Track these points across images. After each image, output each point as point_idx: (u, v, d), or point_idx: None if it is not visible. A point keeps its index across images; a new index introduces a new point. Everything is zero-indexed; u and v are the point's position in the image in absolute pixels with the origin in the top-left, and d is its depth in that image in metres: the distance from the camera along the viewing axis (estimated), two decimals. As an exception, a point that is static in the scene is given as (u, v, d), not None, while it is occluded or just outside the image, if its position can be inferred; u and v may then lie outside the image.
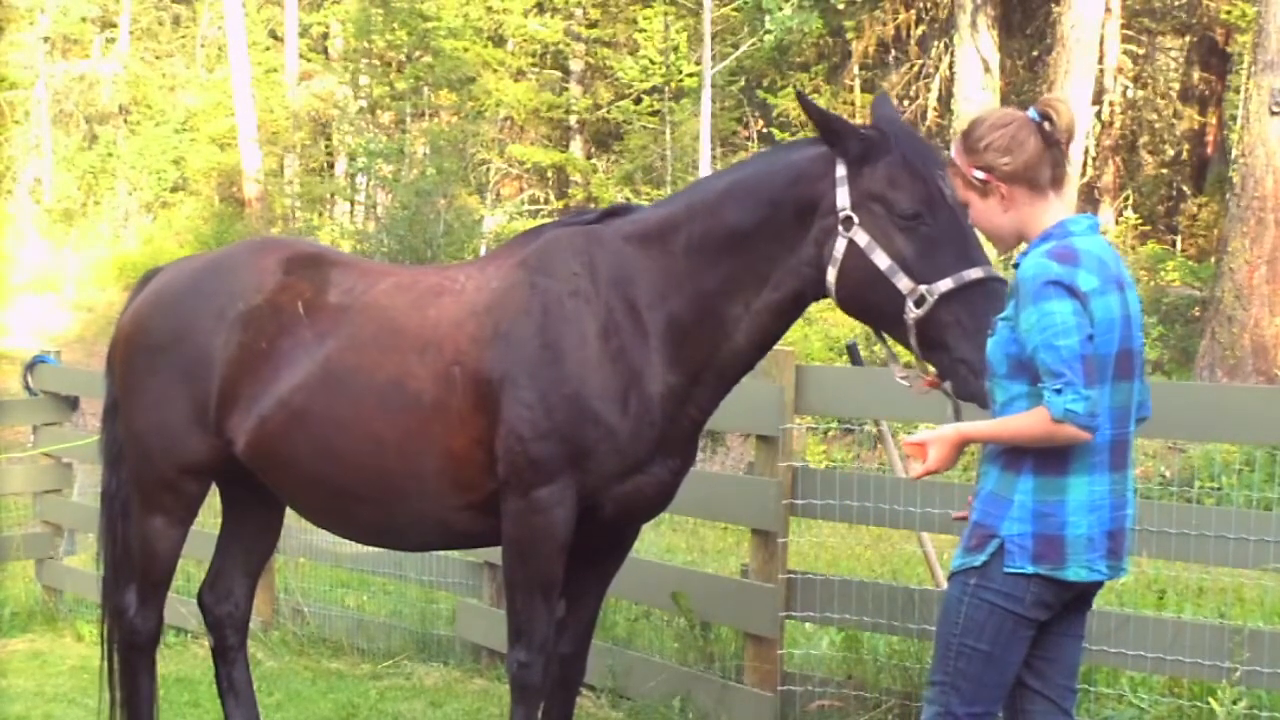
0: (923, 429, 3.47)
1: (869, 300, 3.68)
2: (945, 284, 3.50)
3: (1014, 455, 3.22)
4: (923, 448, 3.29)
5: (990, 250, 3.74)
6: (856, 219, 3.64)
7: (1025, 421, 3.16)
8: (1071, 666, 3.42)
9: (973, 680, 3.25)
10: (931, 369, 3.60)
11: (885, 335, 3.77)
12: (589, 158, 27.86)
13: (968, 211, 3.46)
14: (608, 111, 25.65)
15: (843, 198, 3.67)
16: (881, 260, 3.59)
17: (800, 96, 3.86)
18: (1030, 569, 3.18)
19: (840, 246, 3.67)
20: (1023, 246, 3.35)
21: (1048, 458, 3.19)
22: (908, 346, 3.63)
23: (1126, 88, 24.09)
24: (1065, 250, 3.19)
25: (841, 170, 3.69)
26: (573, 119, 27.67)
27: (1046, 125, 3.28)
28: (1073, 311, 3.10)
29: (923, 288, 3.52)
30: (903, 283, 3.56)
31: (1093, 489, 3.21)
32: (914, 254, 3.56)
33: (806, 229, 3.76)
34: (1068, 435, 3.10)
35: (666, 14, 22.72)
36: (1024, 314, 3.15)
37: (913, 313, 3.53)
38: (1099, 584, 3.32)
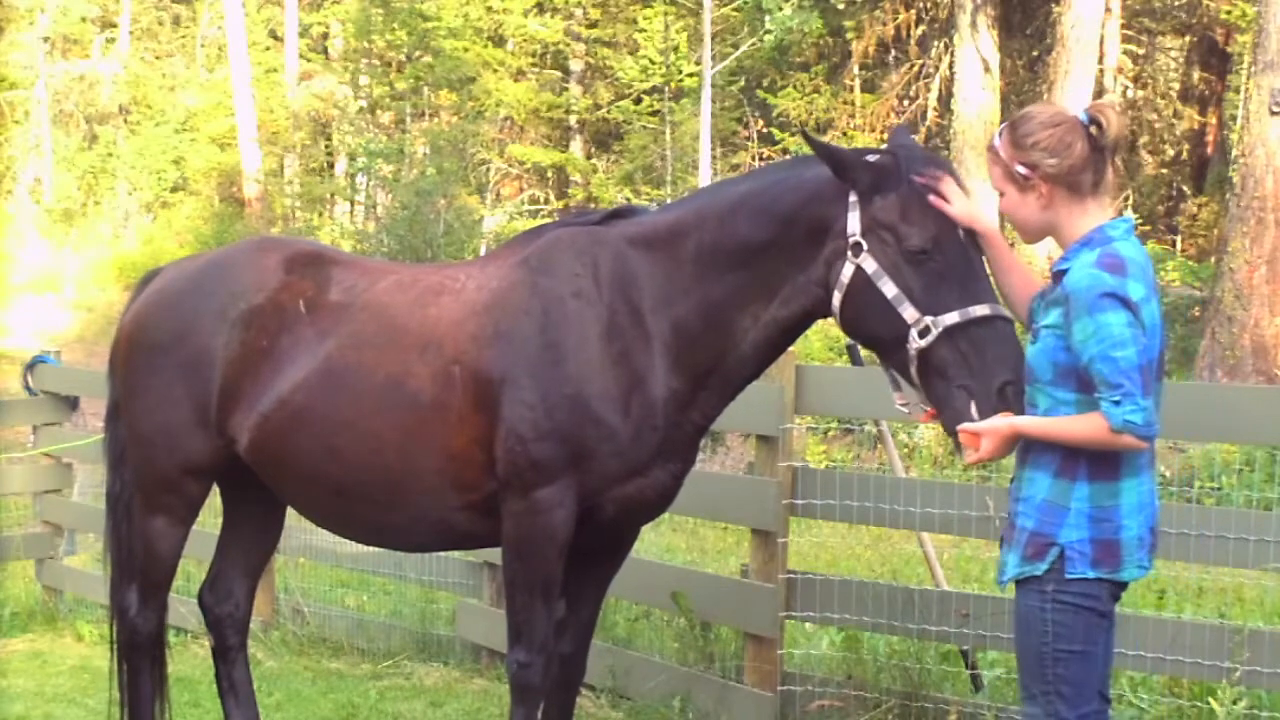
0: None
1: (872, 327, 3.67)
2: (951, 317, 3.47)
3: (1069, 462, 3.26)
4: (976, 437, 3.31)
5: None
6: (865, 246, 3.63)
7: (1082, 426, 3.20)
8: (1111, 655, 3.51)
9: (1075, 683, 3.29)
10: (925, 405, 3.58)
11: (887, 362, 3.75)
12: (589, 158, 27.87)
13: (980, 244, 3.52)
14: (608, 111, 25.67)
15: (853, 223, 3.65)
16: (889, 289, 3.57)
17: (804, 135, 3.83)
18: (1091, 574, 3.25)
19: (848, 272, 3.66)
20: (1051, 247, 3.35)
21: (1103, 464, 3.25)
22: (906, 375, 3.60)
23: (1126, 88, 24.09)
24: (1114, 260, 3.21)
25: (854, 195, 3.68)
26: (573, 119, 27.69)
27: (1095, 131, 3.30)
28: (1127, 323, 3.14)
29: (928, 319, 3.49)
30: (909, 312, 3.53)
31: (1140, 489, 3.29)
32: (921, 286, 3.54)
33: (818, 249, 3.74)
34: (1125, 444, 3.16)
35: (666, 14, 22.74)
36: (1078, 325, 3.17)
37: (916, 342, 3.50)
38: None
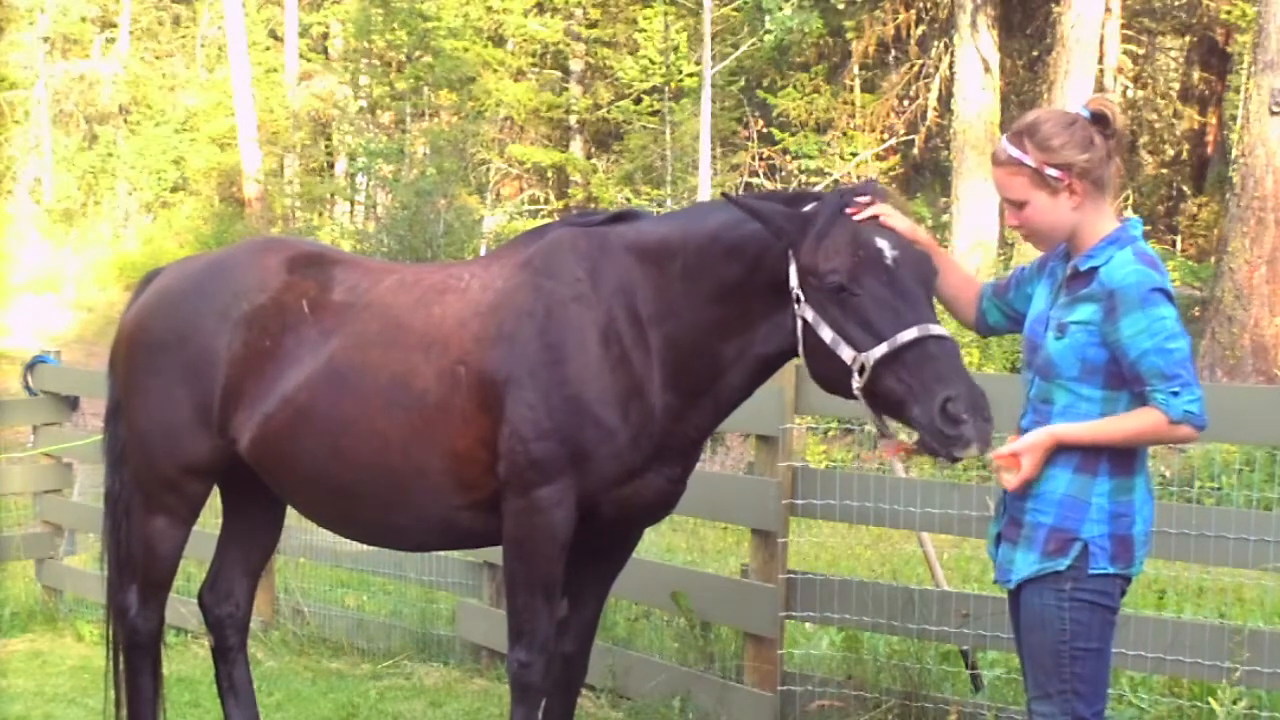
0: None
1: (827, 374, 3.63)
2: (879, 350, 3.41)
3: (1090, 458, 3.27)
4: (1016, 458, 3.27)
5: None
6: (803, 296, 3.62)
7: (1135, 423, 3.21)
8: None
9: (1090, 681, 3.30)
10: (903, 436, 3.53)
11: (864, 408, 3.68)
12: (589, 158, 27.86)
13: (920, 266, 3.47)
14: (608, 111, 25.64)
15: (793, 275, 3.65)
16: (826, 334, 3.55)
17: (726, 196, 3.78)
18: (1111, 569, 3.29)
19: (798, 325, 3.66)
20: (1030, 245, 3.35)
21: (1122, 459, 3.27)
22: (876, 418, 3.55)
23: (1126, 88, 24.09)
24: (1150, 258, 3.25)
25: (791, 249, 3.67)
26: (573, 119, 27.68)
27: (1102, 125, 3.32)
28: (1175, 317, 3.18)
29: (862, 356, 3.46)
30: (845, 353, 3.50)
31: (1145, 485, 3.34)
32: (852, 324, 3.50)
33: (786, 299, 3.71)
34: (1181, 435, 3.19)
35: (666, 14, 22.72)
36: (1128, 320, 3.18)
37: (857, 382, 3.47)
38: None
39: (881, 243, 3.52)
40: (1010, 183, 3.35)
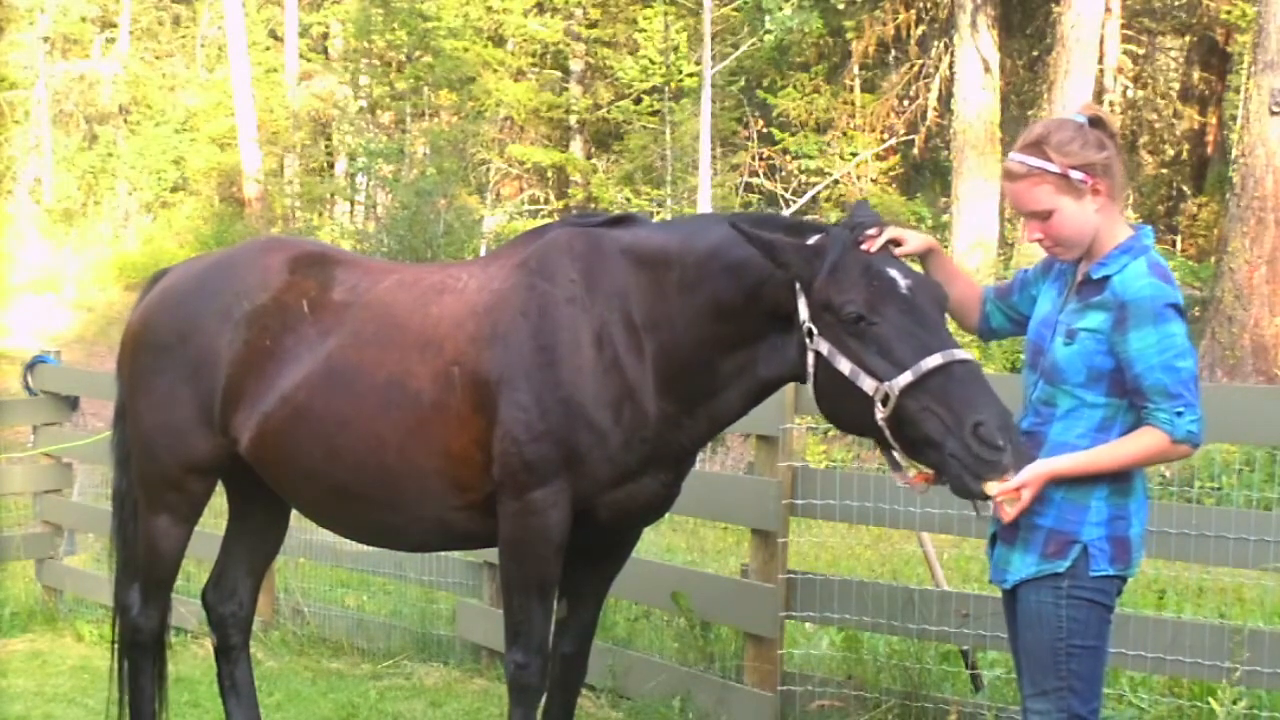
0: None
1: (846, 409, 3.56)
2: (904, 378, 3.34)
3: None
4: (1017, 491, 3.24)
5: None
6: (816, 330, 3.57)
7: (1132, 448, 3.21)
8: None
9: (1086, 678, 3.32)
10: (920, 466, 3.48)
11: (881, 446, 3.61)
12: (589, 158, 27.85)
13: (932, 292, 3.47)
14: (608, 111, 25.64)
15: (803, 310, 3.61)
16: (844, 366, 3.48)
17: (735, 227, 3.70)
18: (1111, 571, 3.29)
19: (810, 360, 3.60)
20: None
21: None
22: (888, 451, 3.50)
23: (1126, 88, 24.09)
24: (1164, 270, 3.25)
25: (798, 283, 3.64)
26: (573, 119, 27.67)
27: (1103, 128, 3.32)
28: (1185, 334, 3.18)
29: (885, 385, 3.38)
30: (867, 384, 3.43)
31: (1141, 488, 3.35)
32: (872, 354, 3.44)
33: (791, 330, 3.68)
34: (1178, 455, 3.20)
35: (666, 14, 22.72)
36: (1138, 334, 3.18)
37: (880, 413, 3.39)
38: None
39: (894, 272, 3.50)
40: (1032, 195, 3.31)
